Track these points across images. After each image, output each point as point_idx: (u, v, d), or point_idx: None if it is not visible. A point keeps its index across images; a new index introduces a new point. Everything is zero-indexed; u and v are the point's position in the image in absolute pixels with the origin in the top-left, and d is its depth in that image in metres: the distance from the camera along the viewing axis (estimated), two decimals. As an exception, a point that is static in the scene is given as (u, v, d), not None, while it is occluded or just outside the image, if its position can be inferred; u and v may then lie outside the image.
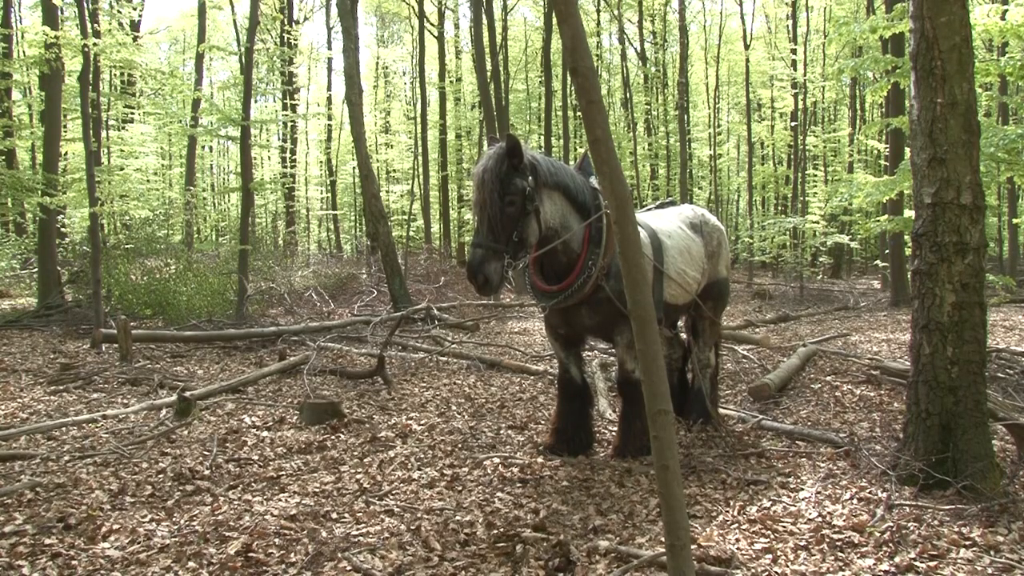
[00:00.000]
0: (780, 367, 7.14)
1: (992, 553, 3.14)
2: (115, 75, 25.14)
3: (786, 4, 26.68)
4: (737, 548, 3.24)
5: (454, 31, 31.84)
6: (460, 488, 4.18)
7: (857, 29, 8.92)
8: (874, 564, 3.08)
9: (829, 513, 3.64)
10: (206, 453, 4.87)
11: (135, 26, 21.73)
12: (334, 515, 3.73)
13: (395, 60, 35.18)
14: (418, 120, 25.34)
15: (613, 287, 4.35)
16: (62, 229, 15.77)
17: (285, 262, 18.58)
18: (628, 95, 29.49)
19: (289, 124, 29.19)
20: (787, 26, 27.57)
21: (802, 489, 4.04)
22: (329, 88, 32.02)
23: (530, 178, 4.08)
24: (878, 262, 19.09)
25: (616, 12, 27.97)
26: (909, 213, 10.44)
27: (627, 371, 4.62)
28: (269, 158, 30.92)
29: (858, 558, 3.14)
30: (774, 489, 4.06)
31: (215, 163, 37.34)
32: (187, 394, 6.07)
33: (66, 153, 19.60)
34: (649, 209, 5.59)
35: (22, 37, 18.39)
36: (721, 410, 5.69)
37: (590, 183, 4.58)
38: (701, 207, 5.74)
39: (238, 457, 4.81)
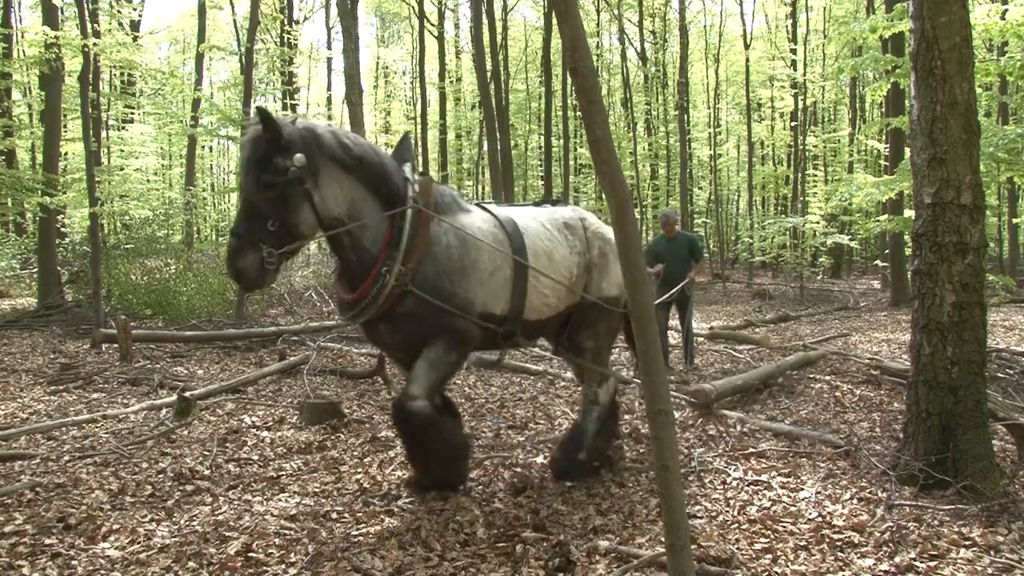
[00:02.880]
0: (739, 375, 6.61)
1: (992, 553, 3.14)
2: (115, 75, 25.12)
3: (786, 4, 26.67)
4: (737, 548, 3.24)
5: (454, 31, 31.89)
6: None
7: (857, 29, 8.94)
8: (874, 564, 3.08)
9: (829, 513, 3.64)
10: (206, 453, 4.87)
11: (135, 26, 21.75)
12: (334, 515, 3.73)
13: (395, 60, 35.19)
14: (418, 120, 25.37)
15: (421, 285, 3.64)
16: (62, 229, 15.76)
17: (285, 262, 18.52)
18: (628, 95, 29.45)
19: (289, 124, 29.13)
20: (787, 26, 27.56)
21: (802, 489, 4.04)
22: (329, 88, 31.99)
23: (299, 156, 3.41)
24: (878, 262, 19.11)
25: (616, 12, 27.94)
26: (909, 213, 10.43)
27: (410, 396, 3.67)
28: (269, 158, 30.85)
29: (858, 558, 3.15)
30: (774, 489, 4.05)
31: (215, 163, 37.33)
32: (187, 394, 6.06)
33: (66, 153, 19.62)
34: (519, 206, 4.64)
35: (22, 37, 18.37)
36: (721, 410, 5.68)
37: (403, 171, 3.84)
38: (586, 211, 4.62)
39: (238, 457, 4.81)
